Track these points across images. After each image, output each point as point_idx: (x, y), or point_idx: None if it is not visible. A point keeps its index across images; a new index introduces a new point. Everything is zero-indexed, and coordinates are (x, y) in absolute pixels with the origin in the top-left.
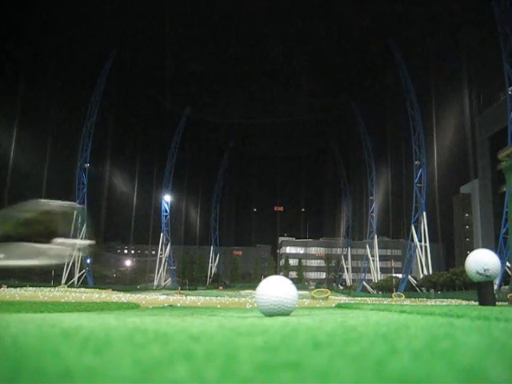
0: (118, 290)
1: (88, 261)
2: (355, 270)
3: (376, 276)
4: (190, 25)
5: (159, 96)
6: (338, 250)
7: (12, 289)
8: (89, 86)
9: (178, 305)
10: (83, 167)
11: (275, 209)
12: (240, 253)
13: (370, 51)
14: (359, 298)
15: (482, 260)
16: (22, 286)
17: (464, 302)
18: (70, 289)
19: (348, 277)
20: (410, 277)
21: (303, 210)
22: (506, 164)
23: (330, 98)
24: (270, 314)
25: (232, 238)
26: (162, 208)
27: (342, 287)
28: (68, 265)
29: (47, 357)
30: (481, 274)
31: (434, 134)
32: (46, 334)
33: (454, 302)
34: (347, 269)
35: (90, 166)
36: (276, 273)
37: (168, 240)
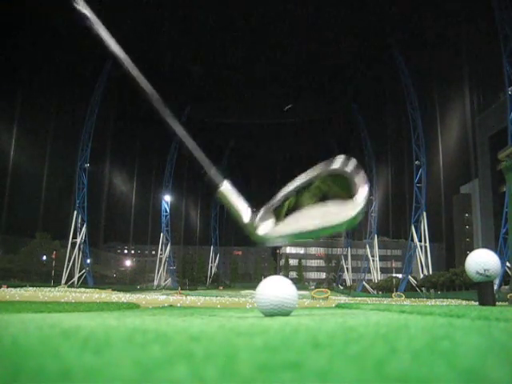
0: (117, 290)
1: (88, 261)
2: (355, 270)
3: (376, 276)
4: (191, 24)
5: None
6: (338, 250)
7: (12, 289)
8: (89, 85)
9: (178, 305)
10: (83, 167)
11: None
12: (240, 253)
13: (370, 51)
14: (359, 298)
15: (481, 260)
16: (22, 286)
17: (464, 302)
18: (70, 289)
19: (348, 277)
20: (410, 277)
21: None
22: (506, 164)
23: (331, 99)
24: (270, 314)
25: (232, 238)
26: (162, 208)
27: (342, 287)
28: (68, 265)
29: (47, 357)
30: (481, 274)
31: (434, 134)
32: (46, 335)
33: (453, 302)
34: (347, 269)
35: (89, 165)
36: (276, 273)
37: (168, 240)
